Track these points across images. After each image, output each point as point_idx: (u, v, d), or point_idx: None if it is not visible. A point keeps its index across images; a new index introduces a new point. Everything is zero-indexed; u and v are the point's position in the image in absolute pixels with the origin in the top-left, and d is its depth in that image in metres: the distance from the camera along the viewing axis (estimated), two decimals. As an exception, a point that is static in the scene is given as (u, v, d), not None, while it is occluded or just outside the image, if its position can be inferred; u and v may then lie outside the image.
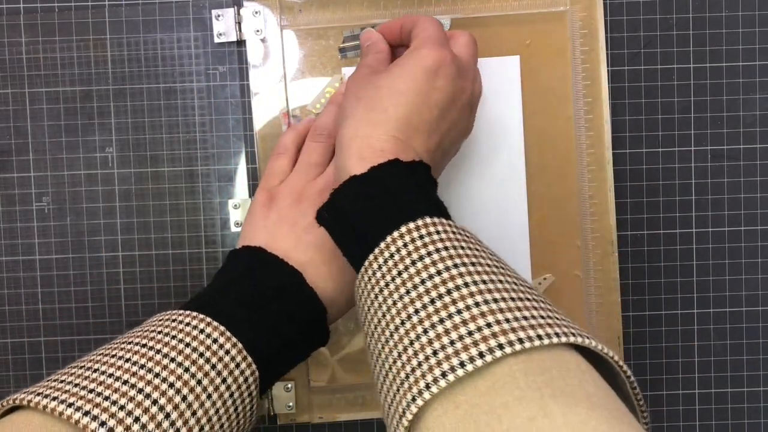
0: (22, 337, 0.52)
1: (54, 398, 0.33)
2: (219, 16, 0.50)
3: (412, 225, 0.36)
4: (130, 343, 0.38)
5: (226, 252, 0.51)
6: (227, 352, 0.38)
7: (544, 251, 0.51)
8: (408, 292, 0.34)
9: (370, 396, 0.52)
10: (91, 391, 0.34)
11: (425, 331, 0.32)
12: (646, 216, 0.52)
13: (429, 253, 0.35)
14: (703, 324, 0.53)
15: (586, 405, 0.29)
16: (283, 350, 0.41)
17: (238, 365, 0.38)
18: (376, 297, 0.36)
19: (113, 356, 0.37)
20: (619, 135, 0.52)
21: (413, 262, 0.35)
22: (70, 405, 0.33)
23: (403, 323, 0.33)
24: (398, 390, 0.32)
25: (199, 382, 0.36)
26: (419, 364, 0.31)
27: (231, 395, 0.37)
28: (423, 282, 0.34)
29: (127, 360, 0.36)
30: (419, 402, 0.31)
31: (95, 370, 0.36)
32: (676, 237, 0.52)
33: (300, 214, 0.44)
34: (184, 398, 0.35)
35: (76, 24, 0.51)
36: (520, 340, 0.30)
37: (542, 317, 0.32)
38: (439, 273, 0.34)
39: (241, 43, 0.51)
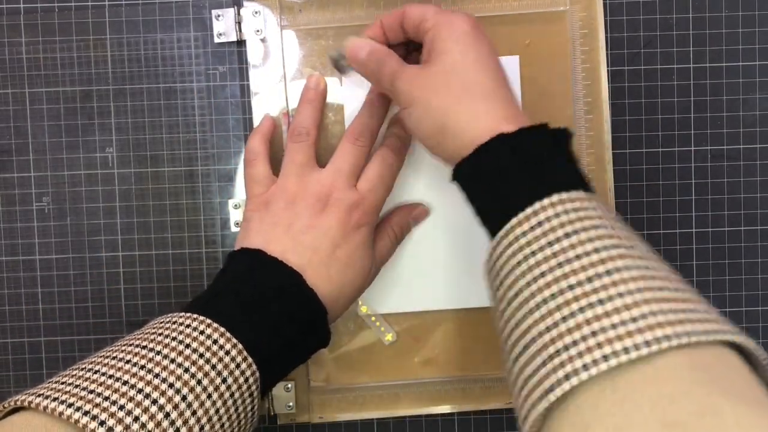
0: (22, 337, 0.52)
1: (54, 399, 0.33)
2: (219, 16, 0.50)
3: (565, 195, 0.35)
4: (130, 345, 0.38)
5: (226, 252, 0.51)
6: (227, 353, 0.38)
7: (544, 251, 0.51)
8: (560, 264, 0.33)
9: (370, 396, 0.52)
10: (91, 392, 0.34)
11: (581, 309, 0.31)
12: (646, 216, 0.52)
13: (584, 229, 0.34)
14: (703, 324, 0.53)
15: (756, 406, 0.28)
16: (283, 351, 0.41)
17: (238, 365, 0.38)
18: (519, 263, 0.35)
19: (114, 358, 0.37)
20: (619, 135, 0.52)
21: (566, 235, 0.34)
22: (69, 405, 0.33)
23: (553, 296, 0.33)
24: (544, 364, 0.32)
25: (199, 382, 0.36)
26: (574, 342, 0.31)
27: (231, 395, 0.37)
28: (578, 257, 0.33)
29: (128, 361, 0.36)
30: (574, 381, 0.30)
31: (96, 372, 0.36)
32: (676, 237, 0.52)
33: (294, 215, 0.44)
34: (184, 398, 0.35)
35: (76, 24, 0.51)
36: (687, 334, 0.30)
37: (700, 312, 0.32)
38: (596, 251, 0.33)
39: (241, 43, 0.51)
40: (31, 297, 0.51)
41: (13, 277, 0.51)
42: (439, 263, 0.50)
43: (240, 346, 0.38)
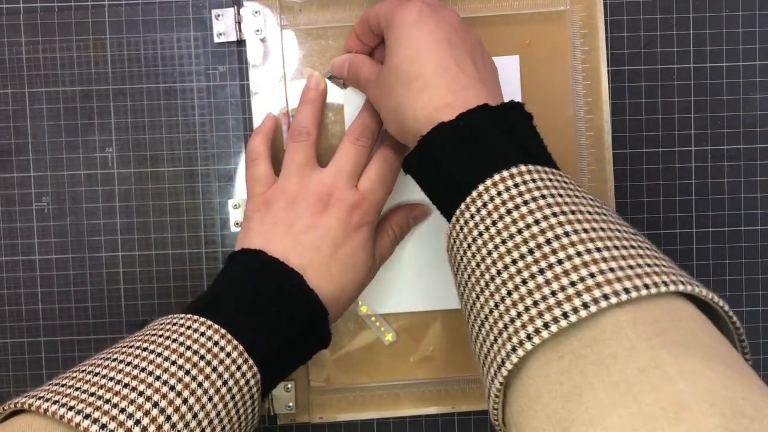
0: (21, 337, 0.52)
1: (54, 402, 0.33)
2: (219, 15, 0.50)
3: (506, 173, 0.35)
4: (131, 347, 0.38)
5: (226, 252, 0.51)
6: (228, 355, 0.38)
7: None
8: (504, 241, 0.33)
9: (370, 396, 0.52)
10: (92, 394, 0.34)
11: (524, 282, 0.32)
12: (646, 216, 0.52)
13: (525, 202, 0.34)
14: (703, 324, 0.53)
15: (701, 355, 0.28)
16: (284, 351, 0.41)
17: (239, 367, 0.38)
18: (469, 246, 0.35)
19: (114, 360, 0.37)
20: (619, 135, 0.52)
21: (508, 211, 0.34)
22: (70, 408, 0.33)
23: (499, 273, 0.33)
24: (495, 340, 0.32)
25: (200, 384, 0.36)
26: (518, 315, 0.31)
27: (232, 397, 0.37)
28: (520, 231, 0.33)
29: (128, 363, 0.36)
30: (520, 352, 0.30)
31: (96, 374, 0.36)
32: (677, 237, 0.52)
33: (295, 215, 0.44)
34: (185, 401, 0.35)
35: (76, 24, 0.51)
36: (627, 290, 0.30)
37: (649, 265, 0.31)
38: (537, 222, 0.33)
39: (241, 42, 0.51)
40: (30, 297, 0.51)
41: (13, 277, 0.51)
42: (439, 263, 0.50)
43: (241, 347, 0.38)
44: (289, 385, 0.51)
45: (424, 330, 0.51)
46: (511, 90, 0.50)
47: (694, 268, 0.52)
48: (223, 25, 0.50)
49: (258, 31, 0.50)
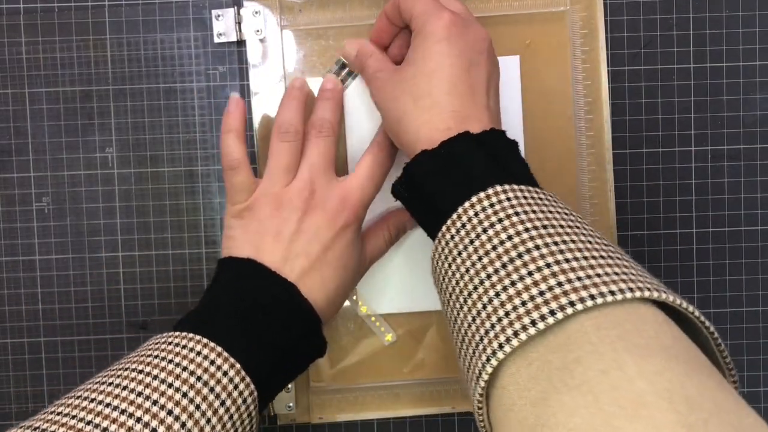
0: (21, 338, 0.52)
1: None
2: (219, 16, 0.50)
3: (482, 194, 0.36)
4: (126, 369, 0.37)
5: (226, 252, 0.51)
6: (225, 374, 0.38)
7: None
8: (480, 258, 0.35)
9: (370, 396, 0.52)
10: (89, 423, 0.34)
11: (497, 294, 0.33)
12: (646, 216, 0.52)
13: (500, 220, 0.35)
14: (703, 324, 0.53)
15: (663, 356, 0.28)
16: (280, 365, 0.41)
17: (236, 386, 0.38)
18: (450, 266, 0.36)
19: (110, 384, 0.36)
20: (619, 135, 0.52)
21: (484, 230, 0.35)
22: None
23: (476, 288, 0.34)
24: (474, 352, 0.33)
25: (197, 407, 0.36)
26: (492, 326, 0.32)
27: (230, 417, 0.37)
28: (494, 248, 0.34)
29: (124, 387, 0.36)
30: (493, 362, 0.31)
31: (92, 400, 0.35)
32: (677, 237, 0.52)
33: (282, 221, 0.43)
34: (183, 425, 0.35)
35: (76, 24, 0.51)
36: (592, 297, 0.31)
37: (617, 273, 0.32)
38: (510, 238, 0.34)
39: (241, 43, 0.51)
40: (30, 297, 0.51)
41: (13, 278, 0.51)
42: None
43: (237, 365, 0.38)
44: (289, 386, 0.51)
45: (424, 330, 0.51)
46: (511, 90, 0.50)
47: (694, 268, 0.52)
48: (223, 26, 0.50)
49: (258, 31, 0.50)
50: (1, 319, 0.51)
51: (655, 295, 0.31)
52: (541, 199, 0.37)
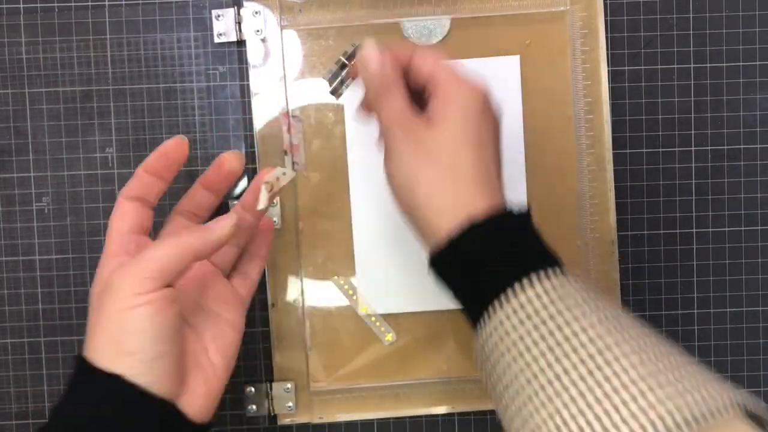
0: (21, 338, 0.52)
1: None
2: (219, 16, 0.50)
3: (541, 273, 0.35)
4: None
5: (226, 252, 0.51)
6: None
7: (545, 251, 0.51)
8: (551, 349, 0.33)
9: (370, 396, 0.52)
10: None
11: (581, 394, 0.32)
12: (646, 216, 0.52)
13: (568, 308, 0.34)
14: (703, 324, 0.53)
15: None
16: None
17: None
18: (507, 351, 0.35)
19: None
20: (619, 135, 0.52)
21: (551, 317, 0.34)
22: None
23: (550, 382, 0.33)
24: None
25: None
26: (581, 429, 0.31)
27: None
28: (567, 339, 0.33)
29: None
30: None
31: None
32: (677, 237, 0.52)
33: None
34: None
35: (76, 24, 0.51)
36: (695, 419, 0.30)
37: (699, 384, 0.32)
38: (584, 330, 0.33)
39: (241, 43, 0.51)
40: (30, 297, 0.51)
41: (13, 278, 0.51)
42: None
43: None
44: (289, 386, 0.51)
45: (425, 330, 0.52)
46: (511, 90, 0.50)
47: (694, 268, 0.53)
48: (223, 26, 0.50)
49: (258, 31, 0.50)
50: (1, 319, 0.51)
51: (746, 404, 0.31)
52: (586, 287, 0.36)
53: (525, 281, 0.35)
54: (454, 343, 0.52)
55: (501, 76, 0.50)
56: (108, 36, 0.51)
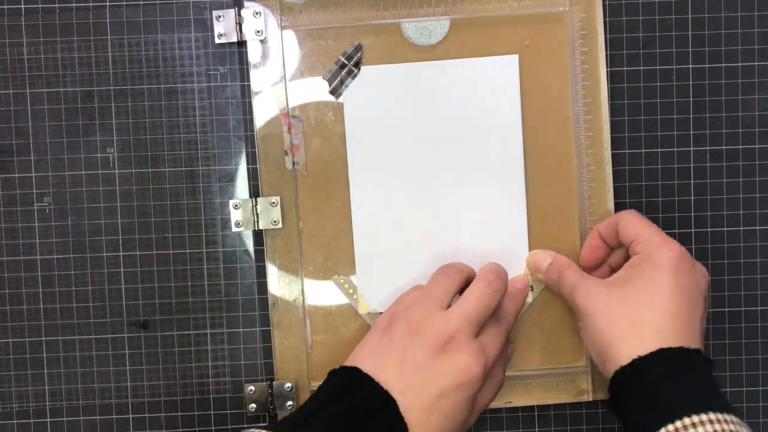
0: (23, 337, 0.52)
1: None
2: (220, 17, 0.50)
3: (713, 416, 0.38)
4: None
5: (227, 252, 0.51)
6: None
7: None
8: None
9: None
10: None
11: None
12: (645, 216, 0.52)
13: None
14: (702, 324, 0.53)
15: None
16: None
17: None
18: None
19: None
20: (618, 135, 0.52)
21: None
22: None
23: None
24: None
25: None
26: None
27: None
28: None
29: None
30: None
31: None
32: (676, 237, 0.52)
33: (409, 348, 0.43)
34: None
35: (78, 25, 0.51)
36: None
37: None
38: None
39: (241, 43, 0.51)
40: (32, 297, 0.52)
41: (15, 277, 0.52)
42: (440, 262, 0.50)
43: None
44: (290, 385, 0.51)
45: None
46: (510, 90, 0.50)
47: (692, 268, 0.53)
48: (223, 26, 0.50)
49: (258, 32, 0.50)
50: (2, 318, 0.52)
51: None
52: None
53: (712, 415, 0.37)
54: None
55: (500, 75, 0.50)
56: (109, 37, 0.51)
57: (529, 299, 0.51)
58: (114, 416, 0.52)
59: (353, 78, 0.50)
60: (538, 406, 0.52)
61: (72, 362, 0.52)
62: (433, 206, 0.51)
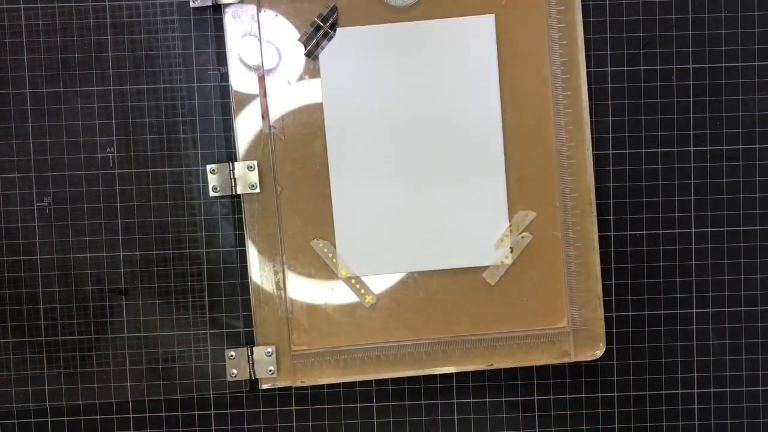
0: (23, 337, 0.52)
1: None
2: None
3: None
4: None
5: (226, 252, 0.51)
6: None
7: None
8: None
9: (351, 359, 0.51)
10: None
11: None
12: (645, 216, 0.52)
13: None
14: (701, 324, 0.53)
15: None
16: None
17: None
18: None
19: None
20: (618, 135, 0.52)
21: None
22: None
23: None
24: None
25: None
26: None
27: None
28: None
29: None
30: None
31: None
32: (675, 237, 0.52)
33: None
34: None
35: (78, 26, 0.51)
36: None
37: None
38: None
39: (216, 7, 0.50)
40: (31, 297, 0.52)
41: (14, 277, 0.52)
42: (418, 224, 0.50)
43: None
44: (270, 350, 0.51)
45: (404, 292, 0.51)
46: (487, 50, 0.50)
47: (693, 268, 0.53)
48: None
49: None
50: (2, 318, 0.52)
51: None
52: None
53: None
54: (434, 305, 0.52)
55: (476, 35, 0.50)
56: (109, 37, 0.51)
57: (509, 261, 0.51)
58: (114, 416, 0.52)
59: (329, 40, 0.50)
60: (537, 399, 0.52)
61: (72, 362, 0.52)
62: (411, 167, 0.51)
